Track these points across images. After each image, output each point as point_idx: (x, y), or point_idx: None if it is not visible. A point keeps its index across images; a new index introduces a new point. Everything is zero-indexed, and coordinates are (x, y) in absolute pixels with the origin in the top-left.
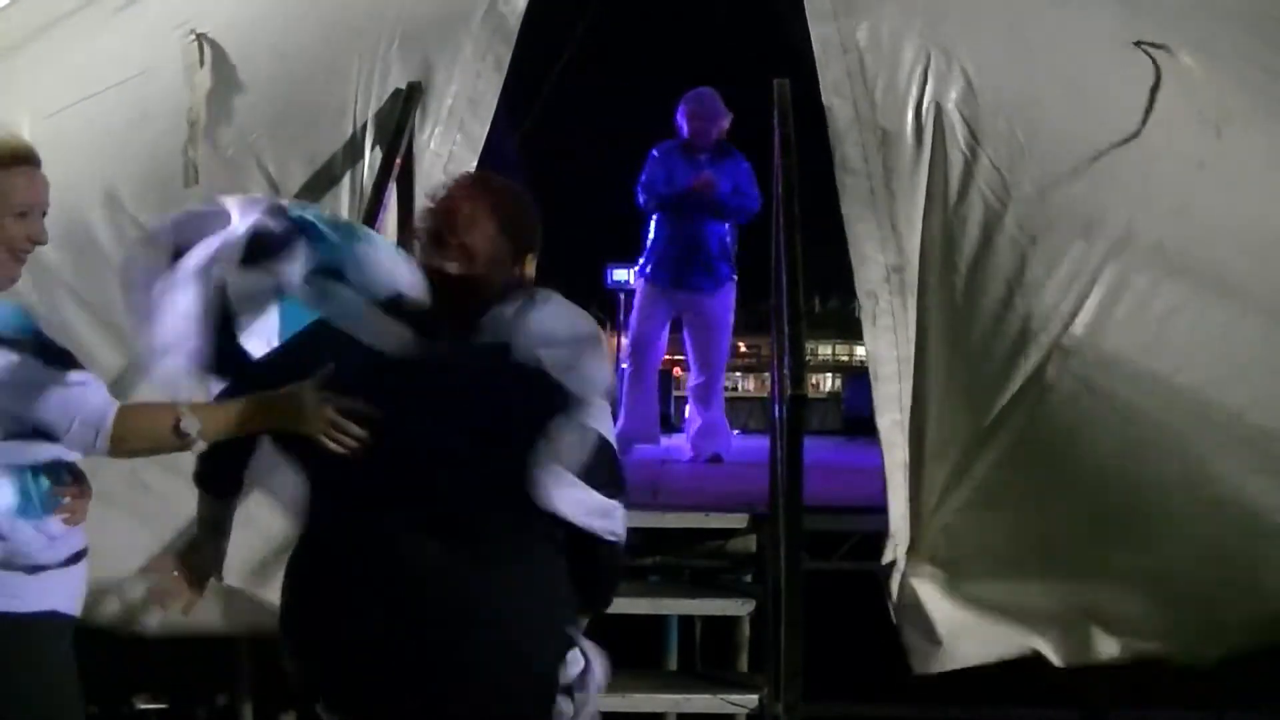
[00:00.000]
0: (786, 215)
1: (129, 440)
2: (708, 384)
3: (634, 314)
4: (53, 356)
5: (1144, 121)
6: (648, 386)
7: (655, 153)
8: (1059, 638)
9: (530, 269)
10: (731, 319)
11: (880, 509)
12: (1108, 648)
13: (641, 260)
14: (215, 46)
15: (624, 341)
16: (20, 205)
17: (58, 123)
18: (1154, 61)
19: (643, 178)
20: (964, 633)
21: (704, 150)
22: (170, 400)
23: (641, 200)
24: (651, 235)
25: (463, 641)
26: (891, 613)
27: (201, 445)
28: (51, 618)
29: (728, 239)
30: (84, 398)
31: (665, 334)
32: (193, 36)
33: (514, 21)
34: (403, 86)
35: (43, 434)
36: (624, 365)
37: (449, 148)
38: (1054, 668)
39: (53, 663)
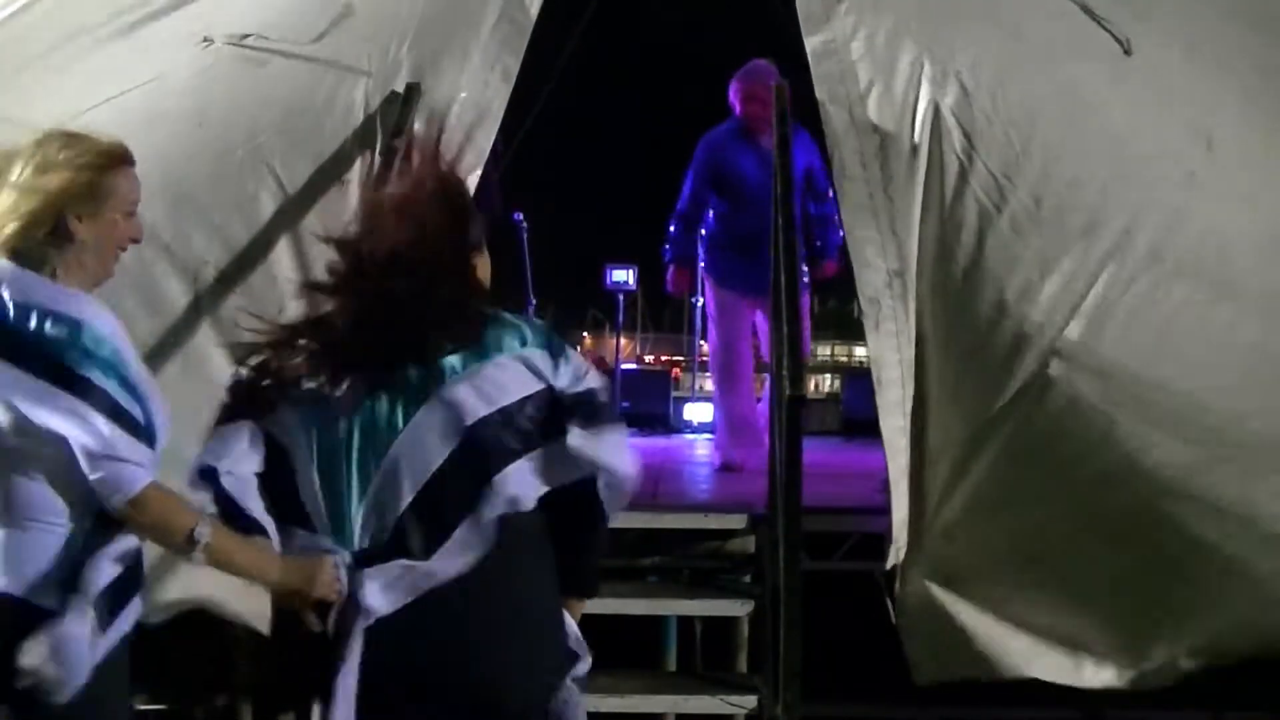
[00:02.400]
0: (785, 215)
1: (141, 517)
2: None
3: (715, 323)
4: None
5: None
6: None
7: (708, 140)
8: (1056, 650)
9: (484, 271)
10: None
11: (879, 510)
12: (1104, 666)
13: (704, 258)
14: (225, 51)
15: (623, 343)
16: (128, 205)
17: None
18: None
19: (700, 171)
20: (963, 640)
21: (765, 133)
22: (198, 508)
23: (693, 194)
24: (713, 229)
25: (465, 642)
26: (892, 616)
27: (200, 559)
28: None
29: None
30: (128, 455)
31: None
32: (204, 43)
33: (524, 33)
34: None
35: None
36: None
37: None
38: None
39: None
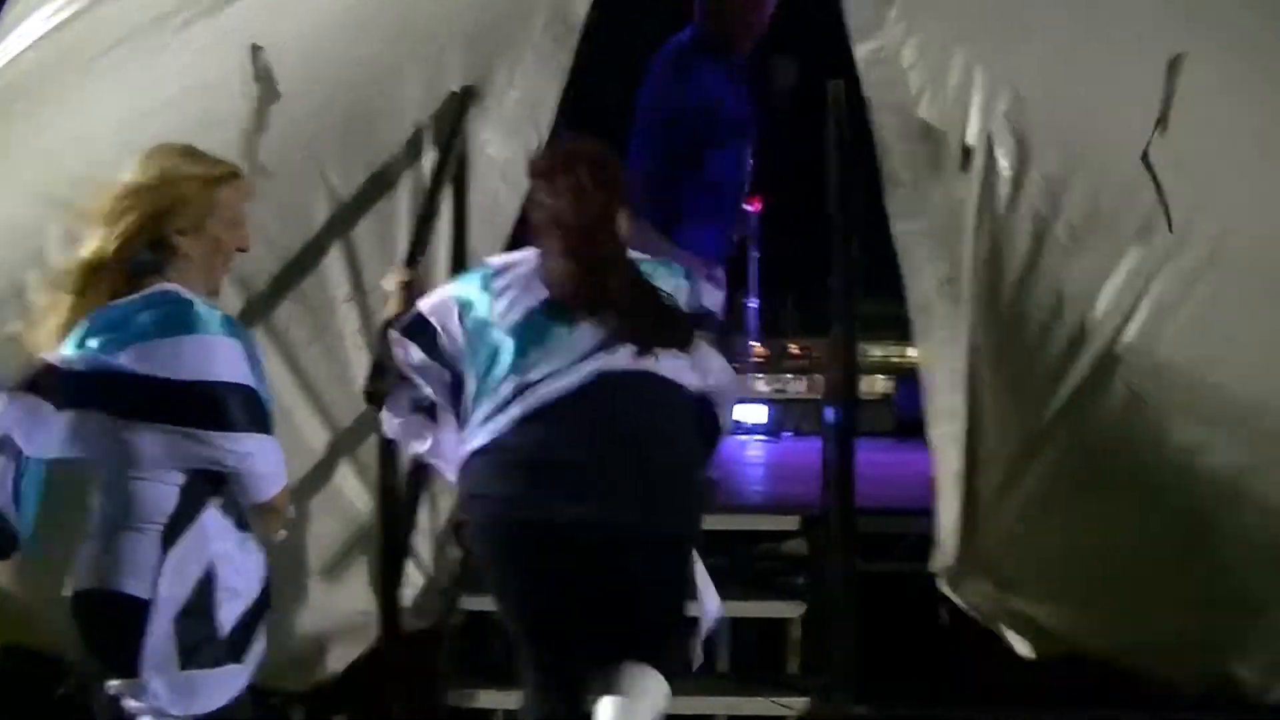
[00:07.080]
0: (845, 216)
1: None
2: None
3: None
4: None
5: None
6: None
7: (660, 64)
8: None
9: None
10: None
11: (931, 512)
12: (1167, 667)
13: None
14: (273, 56)
15: None
16: (231, 218)
17: (122, 136)
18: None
19: (651, 99)
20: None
21: (738, 56)
22: None
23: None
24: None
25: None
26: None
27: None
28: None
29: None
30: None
31: None
32: (255, 49)
33: (576, 30)
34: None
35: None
36: None
37: (506, 153)
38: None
39: None
